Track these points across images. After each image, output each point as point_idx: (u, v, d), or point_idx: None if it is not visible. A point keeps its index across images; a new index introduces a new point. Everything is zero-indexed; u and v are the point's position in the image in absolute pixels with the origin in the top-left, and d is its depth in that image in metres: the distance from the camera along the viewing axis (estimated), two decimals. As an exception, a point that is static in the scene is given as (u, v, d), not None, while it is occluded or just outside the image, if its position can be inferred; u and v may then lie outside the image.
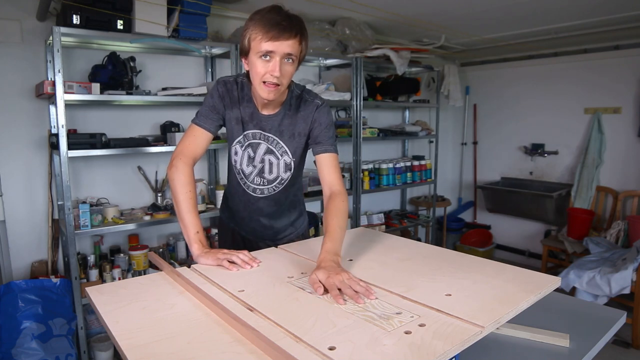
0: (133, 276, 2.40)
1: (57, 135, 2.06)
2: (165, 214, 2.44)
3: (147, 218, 2.40)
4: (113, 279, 2.34)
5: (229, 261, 1.19)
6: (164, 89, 2.52)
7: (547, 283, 1.04)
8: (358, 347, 0.76)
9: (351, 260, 1.24)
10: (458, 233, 4.58)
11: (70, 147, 2.09)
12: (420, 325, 0.83)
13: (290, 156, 1.44)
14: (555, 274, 2.46)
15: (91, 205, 2.26)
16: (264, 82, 1.24)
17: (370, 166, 3.50)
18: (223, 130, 1.49)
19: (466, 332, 0.80)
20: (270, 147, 1.42)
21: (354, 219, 3.33)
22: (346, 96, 3.12)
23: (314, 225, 2.64)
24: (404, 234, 3.89)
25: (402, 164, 3.67)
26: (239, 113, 1.39)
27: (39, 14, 2.22)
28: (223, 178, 2.92)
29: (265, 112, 1.39)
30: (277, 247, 1.43)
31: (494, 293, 0.98)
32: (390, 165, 3.57)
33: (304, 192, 2.57)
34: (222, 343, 0.80)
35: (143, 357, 0.76)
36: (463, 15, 2.96)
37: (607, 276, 2.72)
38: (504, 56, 4.30)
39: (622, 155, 3.63)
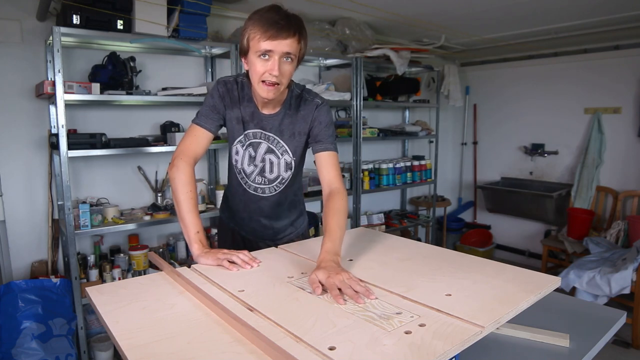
0: (133, 276, 2.40)
1: (57, 135, 2.06)
2: (165, 214, 2.44)
3: (147, 218, 2.40)
4: (113, 279, 2.34)
5: (229, 261, 1.19)
6: (164, 89, 2.52)
7: (547, 283, 1.04)
8: (358, 347, 0.76)
9: (351, 260, 1.24)
10: (458, 233, 4.58)
11: (70, 147, 2.09)
12: (420, 325, 0.83)
13: (291, 155, 1.44)
14: (555, 274, 2.46)
15: (91, 205, 2.27)
16: (263, 81, 1.24)
17: (370, 166, 3.50)
18: (223, 130, 1.50)
19: (466, 332, 0.80)
20: (271, 146, 1.42)
21: (354, 219, 3.33)
22: (346, 96, 3.12)
23: (314, 225, 2.64)
24: (404, 234, 3.89)
25: (402, 164, 3.67)
26: (240, 113, 1.39)
27: (39, 14, 2.22)
28: (223, 178, 2.92)
29: (265, 112, 1.39)
30: (277, 247, 1.43)
31: (494, 293, 0.98)
32: (390, 165, 3.57)
33: (304, 192, 2.58)
34: (222, 343, 0.80)
35: (143, 357, 0.76)
36: (463, 15, 2.96)
37: (607, 276, 2.72)
38: (504, 56, 4.30)
39: (622, 155, 3.63)
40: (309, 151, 1.44)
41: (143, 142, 2.37)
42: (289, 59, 1.24)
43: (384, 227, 3.69)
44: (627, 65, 3.53)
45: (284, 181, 1.48)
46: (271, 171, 1.46)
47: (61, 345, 2.11)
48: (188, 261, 2.58)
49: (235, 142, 1.44)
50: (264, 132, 1.41)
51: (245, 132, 1.41)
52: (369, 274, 1.12)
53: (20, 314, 2.05)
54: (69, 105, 2.13)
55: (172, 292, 1.05)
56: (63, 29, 2.03)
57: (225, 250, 1.23)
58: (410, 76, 3.82)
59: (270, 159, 1.44)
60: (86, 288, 1.07)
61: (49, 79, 2.17)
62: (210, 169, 2.91)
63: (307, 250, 1.35)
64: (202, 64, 2.84)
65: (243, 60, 1.30)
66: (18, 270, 2.36)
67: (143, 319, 0.90)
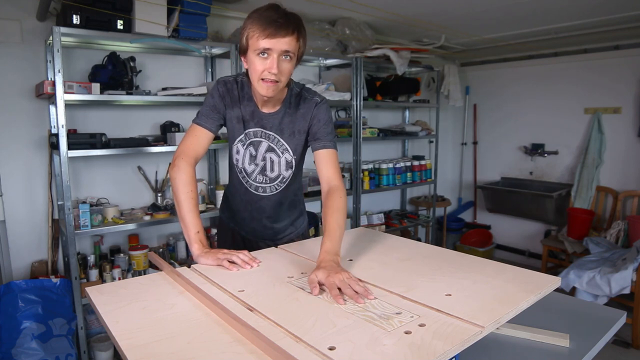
0: (133, 276, 2.40)
1: (57, 135, 2.06)
2: (165, 214, 2.44)
3: (147, 218, 2.40)
4: (113, 279, 2.34)
5: (229, 261, 1.19)
6: (164, 89, 2.52)
7: (547, 283, 1.04)
8: (358, 347, 0.76)
9: (351, 260, 1.24)
10: (458, 233, 4.58)
11: (70, 147, 2.09)
12: (420, 325, 0.83)
13: (291, 154, 1.44)
14: (555, 274, 2.46)
15: (91, 205, 2.27)
16: (263, 79, 1.25)
17: (370, 166, 3.50)
18: (223, 130, 1.50)
19: (466, 332, 0.80)
20: (272, 145, 1.43)
21: (354, 219, 3.33)
22: (346, 96, 3.12)
23: (314, 225, 2.64)
24: (404, 234, 3.89)
25: (402, 164, 3.67)
26: (240, 112, 1.40)
27: (39, 14, 2.22)
28: (223, 178, 2.92)
29: (265, 110, 1.39)
30: (277, 247, 1.43)
31: (494, 293, 0.98)
32: (390, 165, 3.57)
33: (304, 192, 2.58)
34: (222, 343, 0.80)
35: (143, 357, 0.76)
36: (463, 15, 2.96)
37: (607, 276, 2.72)
38: (504, 56, 4.30)
39: (622, 155, 3.63)
40: (309, 151, 1.44)
41: (143, 142, 2.37)
42: (288, 57, 1.24)
43: (384, 227, 3.69)
44: (627, 65, 3.53)
45: (284, 180, 1.48)
46: (272, 170, 1.46)
47: (61, 345, 2.11)
48: (188, 261, 2.58)
49: (236, 141, 1.44)
50: (264, 130, 1.41)
51: (246, 131, 1.42)
52: (369, 274, 1.12)
53: (20, 314, 2.05)
54: (69, 105, 2.13)
55: (172, 292, 1.05)
56: (63, 29, 2.03)
57: (225, 250, 1.23)
58: (410, 76, 3.82)
59: (270, 158, 1.45)
60: (86, 288, 1.07)
61: (49, 79, 2.17)
62: (210, 169, 2.91)
63: (307, 250, 1.35)
64: (202, 64, 2.84)
65: (242, 59, 1.30)
66: (18, 270, 2.36)
67: (143, 319, 0.90)
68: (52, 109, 2.30)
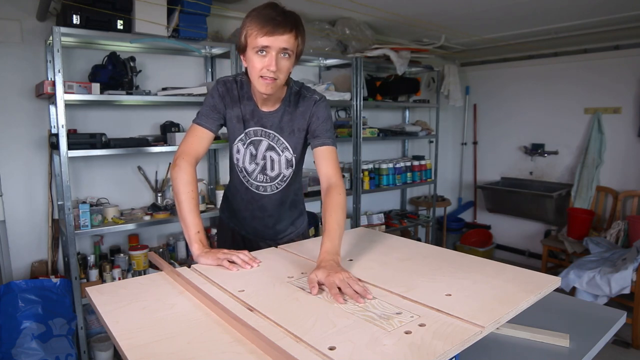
0: (133, 276, 2.40)
1: (57, 135, 2.06)
2: (165, 214, 2.44)
3: (147, 218, 2.40)
4: (113, 279, 2.34)
5: (229, 261, 1.19)
6: (164, 89, 2.52)
7: (547, 283, 1.04)
8: (358, 347, 0.76)
9: (351, 260, 1.24)
10: (458, 233, 4.58)
11: (70, 147, 2.09)
12: (420, 325, 0.83)
13: (291, 152, 1.44)
14: (555, 274, 2.46)
15: (91, 205, 2.26)
16: (262, 77, 1.25)
17: (370, 166, 3.50)
18: (223, 130, 1.50)
19: (466, 332, 0.80)
20: (272, 143, 1.43)
21: (354, 219, 3.33)
22: (346, 96, 3.12)
23: (314, 225, 2.65)
24: (404, 234, 3.89)
25: (402, 164, 3.67)
26: (240, 111, 1.40)
27: (39, 14, 2.22)
28: (223, 178, 2.92)
29: (265, 109, 1.40)
30: (277, 247, 1.43)
31: (494, 293, 0.98)
32: (390, 165, 3.57)
33: (304, 192, 2.58)
34: (222, 343, 0.80)
35: (143, 357, 0.76)
36: (463, 15, 2.96)
37: (607, 276, 2.72)
38: (504, 56, 4.30)
39: (622, 155, 3.63)
40: (309, 150, 1.45)
41: (143, 142, 2.37)
42: (286, 55, 1.24)
43: (384, 227, 3.69)
44: (627, 65, 3.53)
45: (285, 179, 1.48)
46: (272, 169, 1.46)
47: (61, 345, 2.11)
48: (188, 261, 2.58)
49: (236, 140, 1.44)
50: (264, 129, 1.41)
51: (246, 131, 1.42)
52: (369, 274, 1.12)
53: (20, 314, 2.05)
54: (69, 105, 2.13)
55: (172, 292, 1.05)
56: (63, 29, 2.03)
57: (225, 250, 1.23)
58: (410, 76, 3.82)
59: (271, 157, 1.45)
60: (86, 288, 1.07)
61: (49, 79, 2.17)
62: (210, 169, 2.91)
63: (307, 250, 1.35)
64: (202, 64, 2.84)
65: (242, 57, 1.31)
66: (18, 270, 2.36)
67: (143, 319, 0.90)
68: (52, 109, 2.30)
